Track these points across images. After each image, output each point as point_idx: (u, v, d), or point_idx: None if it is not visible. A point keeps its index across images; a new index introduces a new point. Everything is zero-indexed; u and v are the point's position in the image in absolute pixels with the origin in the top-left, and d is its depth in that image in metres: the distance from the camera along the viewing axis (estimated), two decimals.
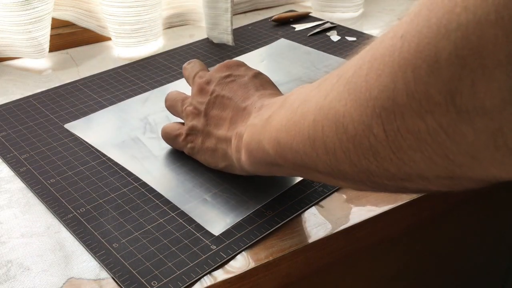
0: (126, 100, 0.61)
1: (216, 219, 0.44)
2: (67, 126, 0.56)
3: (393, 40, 0.25)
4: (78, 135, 0.55)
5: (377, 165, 0.28)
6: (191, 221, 0.44)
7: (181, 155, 0.51)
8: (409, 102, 0.24)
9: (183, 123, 0.51)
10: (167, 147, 0.52)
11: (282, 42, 0.77)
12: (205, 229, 0.43)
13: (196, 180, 0.48)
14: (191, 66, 0.53)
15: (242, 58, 0.71)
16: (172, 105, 0.53)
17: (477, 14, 0.21)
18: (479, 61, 0.21)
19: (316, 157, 0.33)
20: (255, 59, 0.71)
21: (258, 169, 0.43)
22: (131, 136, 0.54)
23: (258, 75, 0.48)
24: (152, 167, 0.50)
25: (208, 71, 0.51)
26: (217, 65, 0.50)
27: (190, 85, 0.53)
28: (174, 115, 0.53)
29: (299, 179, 0.48)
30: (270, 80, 0.49)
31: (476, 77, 0.21)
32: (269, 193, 0.47)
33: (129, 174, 0.49)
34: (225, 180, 0.48)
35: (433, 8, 0.23)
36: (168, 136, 0.52)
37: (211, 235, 0.42)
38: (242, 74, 0.48)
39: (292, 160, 0.36)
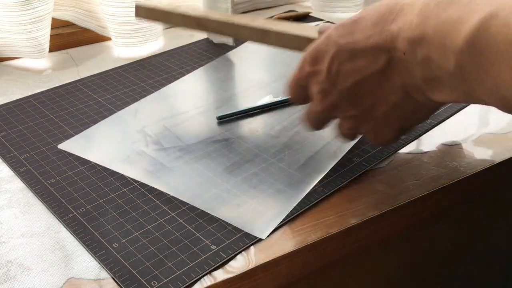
0: (117, 113, 0.59)
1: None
2: (61, 146, 0.53)
3: None
4: (77, 154, 0.52)
5: None
6: (191, 221, 0.44)
7: (193, 160, 0.51)
8: None
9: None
10: (177, 157, 0.51)
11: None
12: (206, 228, 0.43)
13: (221, 183, 0.48)
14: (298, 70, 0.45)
15: (221, 59, 0.71)
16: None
17: None
18: None
19: None
20: (233, 60, 0.71)
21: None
22: (135, 150, 0.52)
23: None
24: (169, 178, 0.48)
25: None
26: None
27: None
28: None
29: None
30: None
31: None
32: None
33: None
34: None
35: None
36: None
37: (211, 234, 0.42)
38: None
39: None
